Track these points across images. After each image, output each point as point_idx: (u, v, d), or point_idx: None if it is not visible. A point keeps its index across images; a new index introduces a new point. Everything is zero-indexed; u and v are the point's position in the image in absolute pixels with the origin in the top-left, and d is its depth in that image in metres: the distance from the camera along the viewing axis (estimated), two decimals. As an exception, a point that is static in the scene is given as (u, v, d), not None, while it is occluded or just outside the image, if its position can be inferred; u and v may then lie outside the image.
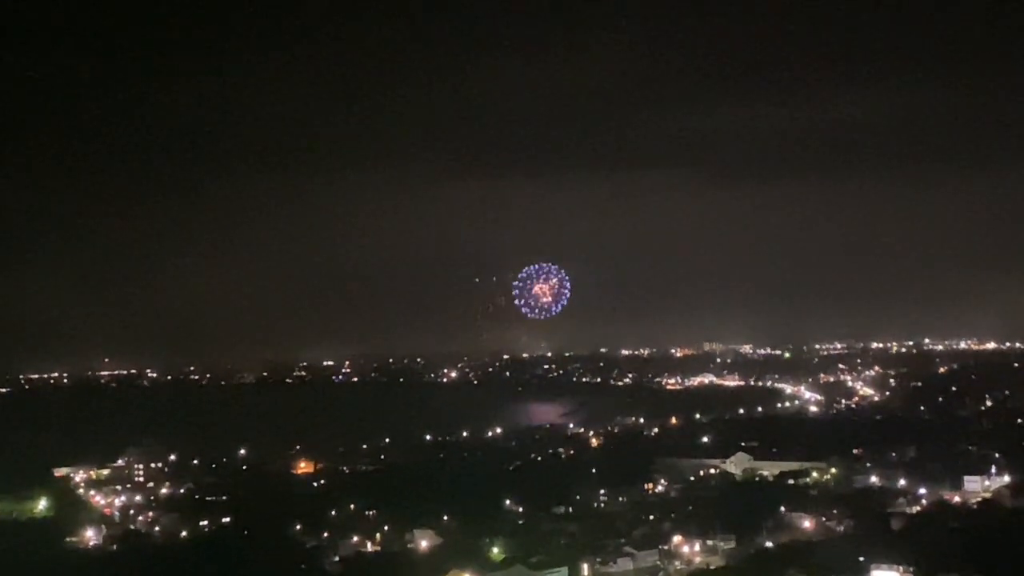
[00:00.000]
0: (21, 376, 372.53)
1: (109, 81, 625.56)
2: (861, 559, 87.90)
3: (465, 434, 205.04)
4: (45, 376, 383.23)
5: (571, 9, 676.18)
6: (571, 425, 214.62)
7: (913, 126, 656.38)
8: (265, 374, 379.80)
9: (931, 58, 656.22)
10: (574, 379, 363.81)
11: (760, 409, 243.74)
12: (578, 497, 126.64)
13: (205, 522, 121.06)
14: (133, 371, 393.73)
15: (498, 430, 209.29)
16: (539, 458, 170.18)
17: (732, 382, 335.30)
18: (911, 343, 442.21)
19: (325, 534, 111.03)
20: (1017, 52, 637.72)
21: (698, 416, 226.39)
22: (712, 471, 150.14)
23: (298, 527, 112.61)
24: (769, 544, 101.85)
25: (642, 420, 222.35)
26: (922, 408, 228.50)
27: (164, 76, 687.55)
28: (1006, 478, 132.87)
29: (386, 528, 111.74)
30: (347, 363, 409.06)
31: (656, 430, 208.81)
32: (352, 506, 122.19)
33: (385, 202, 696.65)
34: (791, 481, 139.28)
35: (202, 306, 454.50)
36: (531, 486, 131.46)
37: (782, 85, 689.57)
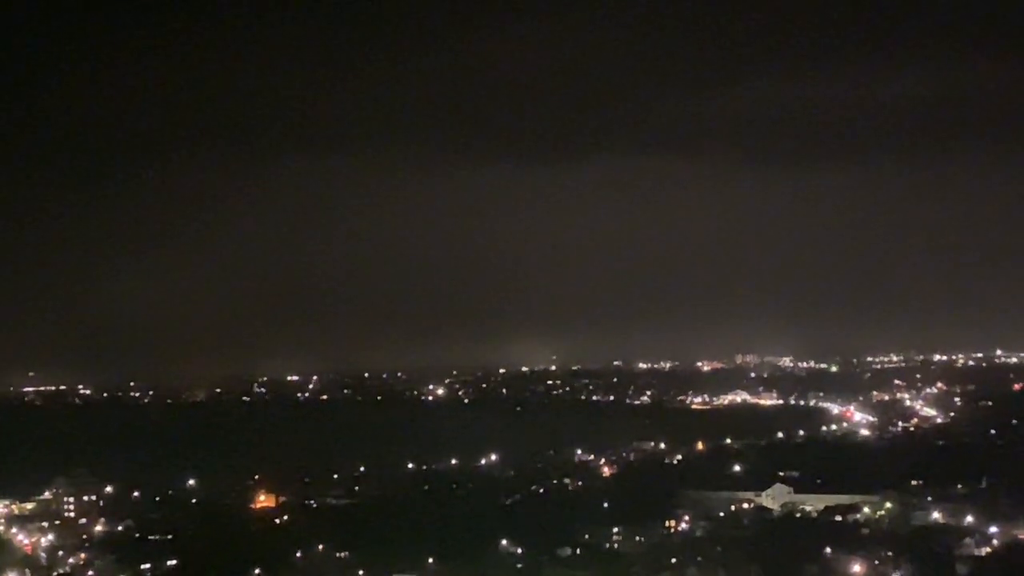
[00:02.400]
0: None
1: (29, 52, 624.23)
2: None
3: (454, 462, 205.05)
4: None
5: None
6: (579, 451, 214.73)
7: (981, 104, 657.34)
8: (218, 391, 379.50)
9: (997, 24, 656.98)
10: (583, 397, 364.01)
11: (802, 433, 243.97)
12: (587, 537, 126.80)
13: (147, 565, 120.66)
14: (63, 387, 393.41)
15: (493, 457, 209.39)
16: (541, 490, 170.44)
17: (769, 401, 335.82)
18: (980, 355, 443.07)
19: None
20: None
21: (729, 441, 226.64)
22: (745, 506, 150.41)
23: (257, 571, 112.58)
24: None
25: (663, 445, 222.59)
26: (993, 432, 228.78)
27: (96, 41, 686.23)
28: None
29: (361, 573, 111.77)
30: (315, 378, 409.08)
31: (679, 457, 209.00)
32: (320, 547, 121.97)
33: (362, 192, 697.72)
34: (838, 517, 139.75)
35: (144, 312, 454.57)
36: (532, 524, 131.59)
37: (830, 56, 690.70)
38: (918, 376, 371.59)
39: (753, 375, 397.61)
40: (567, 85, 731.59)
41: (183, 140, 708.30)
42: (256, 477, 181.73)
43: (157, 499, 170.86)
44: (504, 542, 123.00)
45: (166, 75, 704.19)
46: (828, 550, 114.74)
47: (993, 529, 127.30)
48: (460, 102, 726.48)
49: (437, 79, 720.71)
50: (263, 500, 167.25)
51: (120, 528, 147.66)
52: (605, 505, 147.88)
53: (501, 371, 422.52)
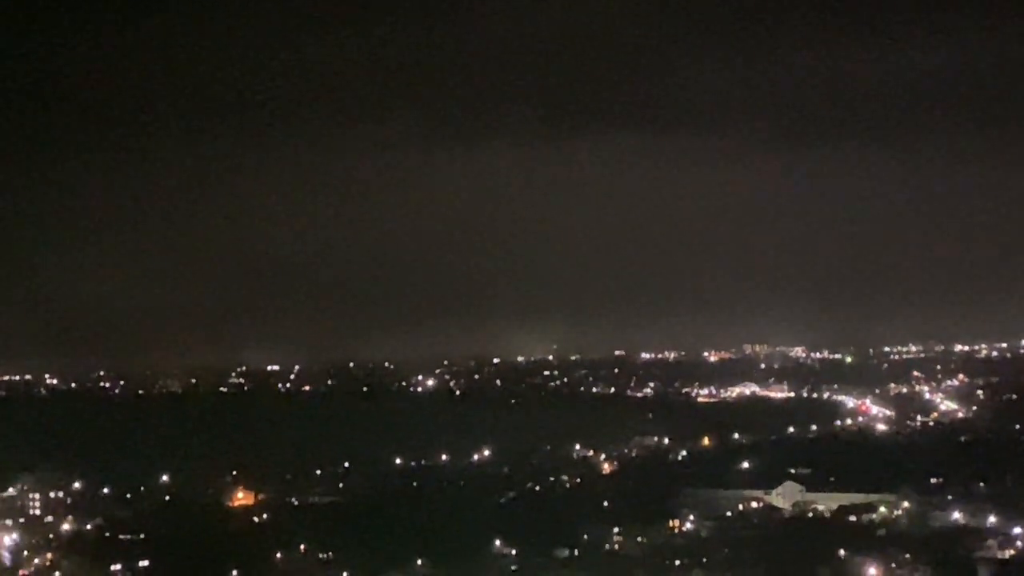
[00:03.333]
0: None
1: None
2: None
3: (445, 458, 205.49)
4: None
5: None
6: (578, 447, 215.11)
7: (1011, 79, 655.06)
8: (194, 381, 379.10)
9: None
10: (582, 389, 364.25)
11: (815, 427, 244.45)
12: (586, 537, 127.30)
13: (118, 566, 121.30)
14: (28, 377, 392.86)
15: (486, 453, 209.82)
16: (537, 488, 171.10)
17: (779, 393, 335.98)
18: (1004, 346, 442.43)
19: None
20: None
21: (737, 436, 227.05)
22: (754, 505, 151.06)
23: (234, 573, 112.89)
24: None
25: (667, 441, 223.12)
26: (1018, 427, 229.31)
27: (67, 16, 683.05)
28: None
29: (345, 575, 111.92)
30: (297, 368, 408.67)
31: (684, 453, 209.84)
32: (302, 547, 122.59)
33: (346, 172, 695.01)
34: (853, 518, 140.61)
35: (115, 298, 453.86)
36: (527, 523, 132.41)
37: (851, 31, 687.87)
38: (938, 368, 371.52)
39: (763, 366, 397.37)
40: (569, 59, 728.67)
41: (156, 119, 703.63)
42: (234, 473, 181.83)
43: (128, 496, 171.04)
44: (498, 543, 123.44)
45: (141, 50, 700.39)
46: (842, 552, 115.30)
47: (1017, 530, 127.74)
48: (452, 77, 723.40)
49: (429, 52, 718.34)
50: (241, 498, 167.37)
51: (89, 527, 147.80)
52: (605, 504, 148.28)
53: (495, 361, 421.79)
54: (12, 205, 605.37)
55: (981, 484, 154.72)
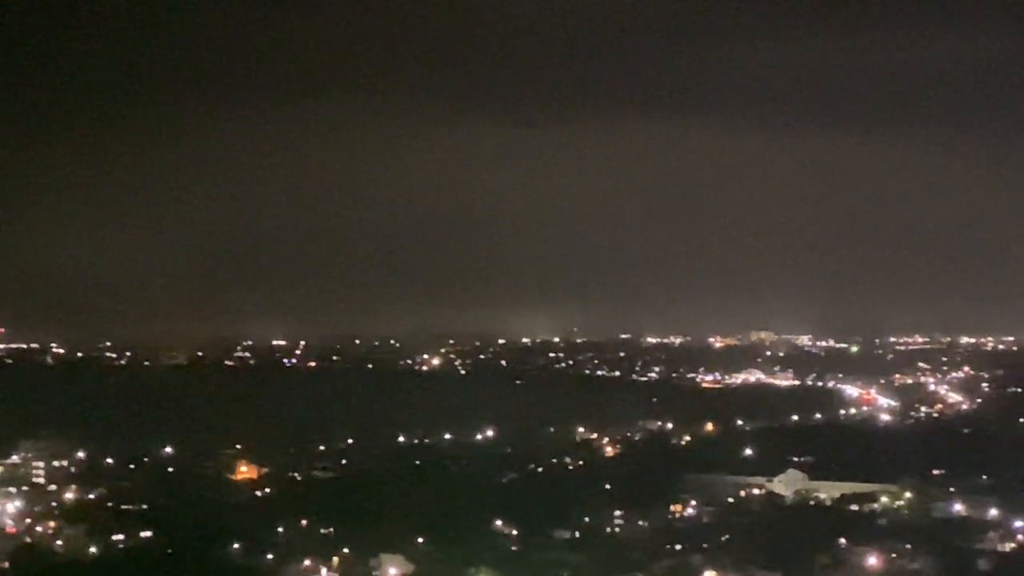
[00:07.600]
0: None
1: None
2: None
3: (448, 436, 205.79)
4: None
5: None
6: (581, 429, 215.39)
7: (1014, 65, 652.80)
8: (199, 354, 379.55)
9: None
10: (587, 371, 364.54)
11: (819, 416, 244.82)
12: (587, 519, 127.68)
13: (120, 536, 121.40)
14: (34, 345, 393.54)
15: (489, 433, 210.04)
16: (539, 469, 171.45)
17: (784, 381, 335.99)
18: (1011, 339, 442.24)
19: (269, 556, 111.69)
20: None
21: (740, 423, 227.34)
22: (756, 492, 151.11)
23: (236, 546, 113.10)
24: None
25: (670, 425, 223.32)
26: (1022, 420, 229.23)
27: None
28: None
29: (345, 551, 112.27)
30: (302, 344, 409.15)
31: (687, 439, 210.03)
32: (304, 522, 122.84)
33: (354, 145, 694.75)
34: (854, 507, 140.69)
35: (122, 267, 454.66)
36: (528, 504, 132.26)
37: (864, 8, 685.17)
38: (944, 359, 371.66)
39: (768, 353, 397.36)
40: (571, 44, 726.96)
41: (159, 88, 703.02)
42: (237, 446, 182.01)
43: (132, 466, 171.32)
44: (499, 523, 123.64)
45: (144, 19, 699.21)
46: (843, 541, 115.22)
47: (1018, 524, 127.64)
48: (461, 53, 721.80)
49: (437, 26, 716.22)
50: (244, 471, 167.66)
51: (92, 496, 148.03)
52: (607, 487, 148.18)
53: (500, 341, 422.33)
54: (23, 176, 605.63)
55: (984, 477, 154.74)
